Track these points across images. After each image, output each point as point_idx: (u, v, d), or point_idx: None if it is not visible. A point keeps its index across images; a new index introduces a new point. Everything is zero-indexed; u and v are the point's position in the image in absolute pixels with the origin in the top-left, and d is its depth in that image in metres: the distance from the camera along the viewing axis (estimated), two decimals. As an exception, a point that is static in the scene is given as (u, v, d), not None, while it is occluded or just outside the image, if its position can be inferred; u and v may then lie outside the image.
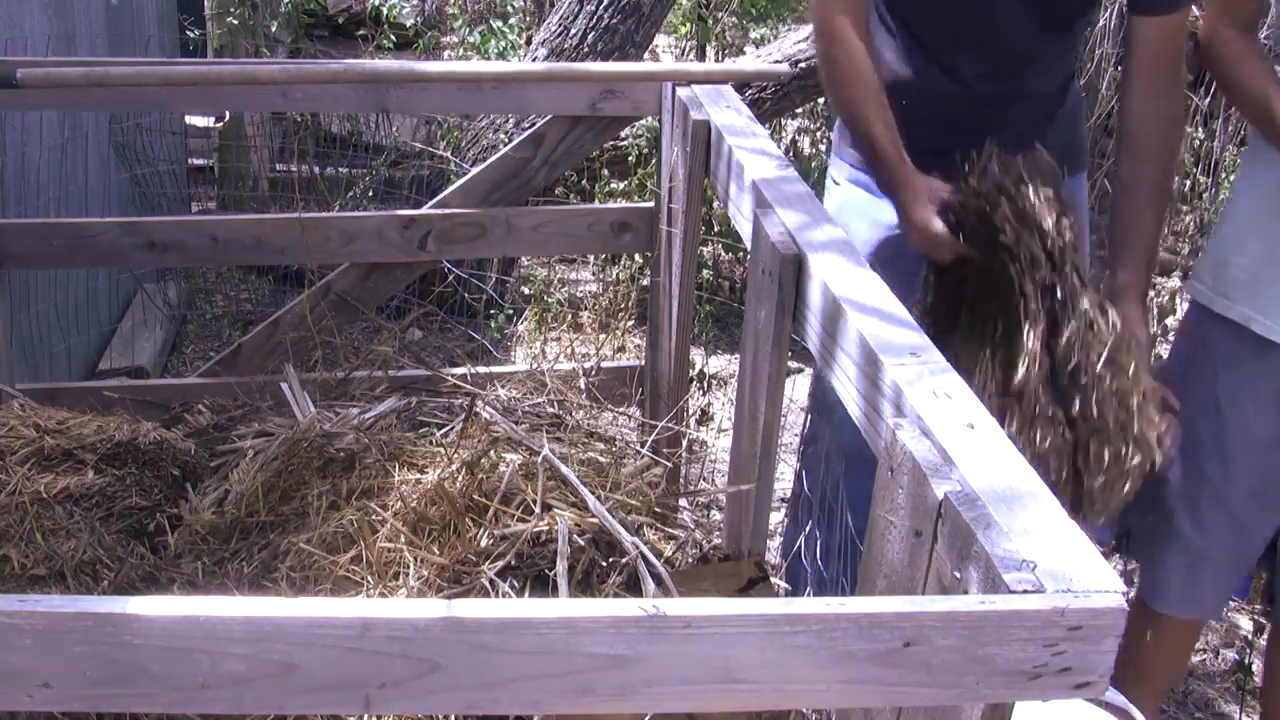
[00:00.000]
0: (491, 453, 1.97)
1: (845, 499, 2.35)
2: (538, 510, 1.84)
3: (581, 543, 1.82)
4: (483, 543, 1.80)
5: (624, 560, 1.82)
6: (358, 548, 1.85)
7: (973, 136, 2.13)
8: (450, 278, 4.04)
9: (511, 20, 5.71)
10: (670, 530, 2.08)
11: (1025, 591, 1.05)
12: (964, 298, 2.03)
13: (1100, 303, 1.86)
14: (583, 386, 2.67)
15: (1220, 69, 2.17)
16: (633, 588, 1.80)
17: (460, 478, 1.90)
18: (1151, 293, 4.76)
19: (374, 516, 1.90)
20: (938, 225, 1.99)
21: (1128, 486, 1.82)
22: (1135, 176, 2.11)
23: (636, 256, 4.45)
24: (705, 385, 4.00)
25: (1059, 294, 1.83)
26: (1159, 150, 2.11)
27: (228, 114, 4.99)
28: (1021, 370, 1.81)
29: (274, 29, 5.38)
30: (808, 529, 2.47)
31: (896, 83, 2.18)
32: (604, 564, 1.83)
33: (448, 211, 2.82)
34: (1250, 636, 3.02)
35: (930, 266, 2.11)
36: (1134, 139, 2.12)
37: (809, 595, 2.40)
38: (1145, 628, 2.34)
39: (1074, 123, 2.43)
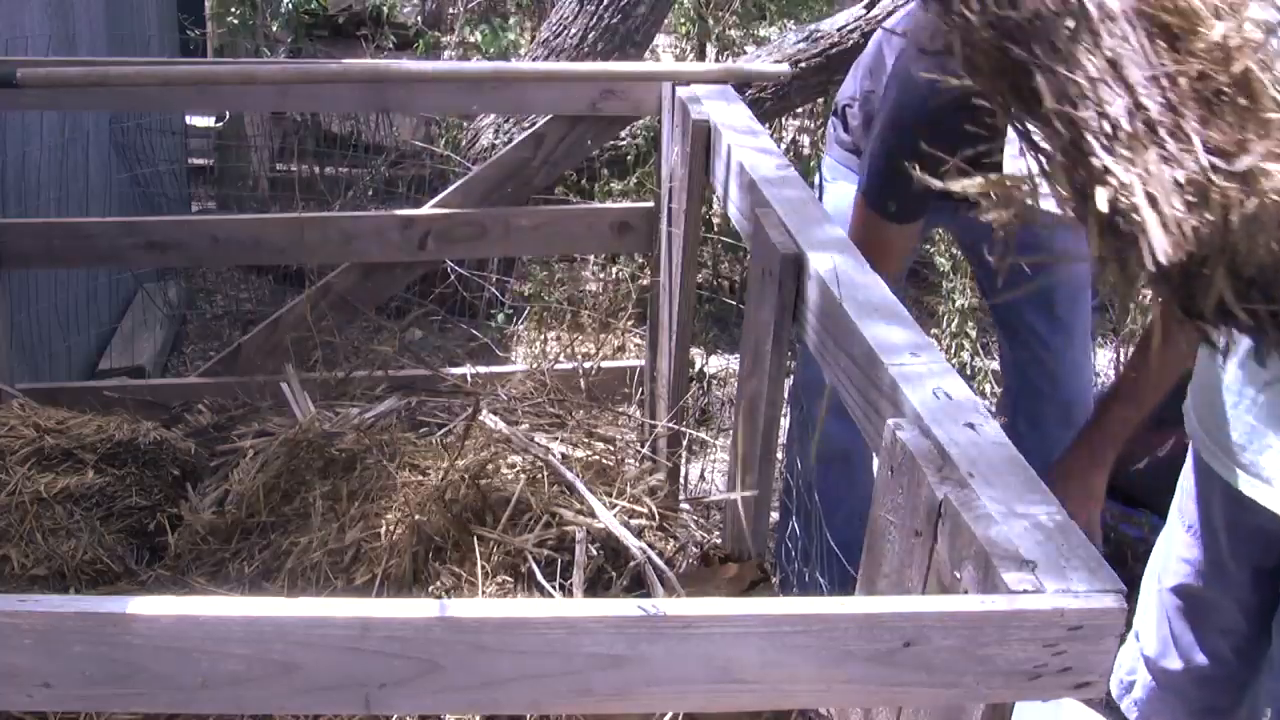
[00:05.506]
0: (495, 458, 1.96)
1: (822, 499, 2.35)
2: (552, 522, 1.84)
3: (593, 550, 1.82)
4: (494, 558, 1.80)
5: (630, 564, 1.82)
6: (361, 551, 1.85)
7: None
8: (450, 277, 4.03)
9: (512, 19, 5.70)
10: (671, 531, 2.08)
11: (1025, 592, 1.05)
12: None
13: None
14: (582, 386, 2.66)
15: None
16: (639, 592, 1.80)
17: (463, 488, 1.89)
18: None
19: (379, 526, 1.89)
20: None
21: None
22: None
23: (636, 256, 4.44)
24: (705, 385, 4.00)
25: None
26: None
27: (227, 114, 4.99)
28: None
29: (274, 29, 5.38)
30: (787, 531, 2.47)
31: None
32: (611, 570, 1.82)
33: (448, 211, 2.81)
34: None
35: None
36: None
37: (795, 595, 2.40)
38: None
39: None
